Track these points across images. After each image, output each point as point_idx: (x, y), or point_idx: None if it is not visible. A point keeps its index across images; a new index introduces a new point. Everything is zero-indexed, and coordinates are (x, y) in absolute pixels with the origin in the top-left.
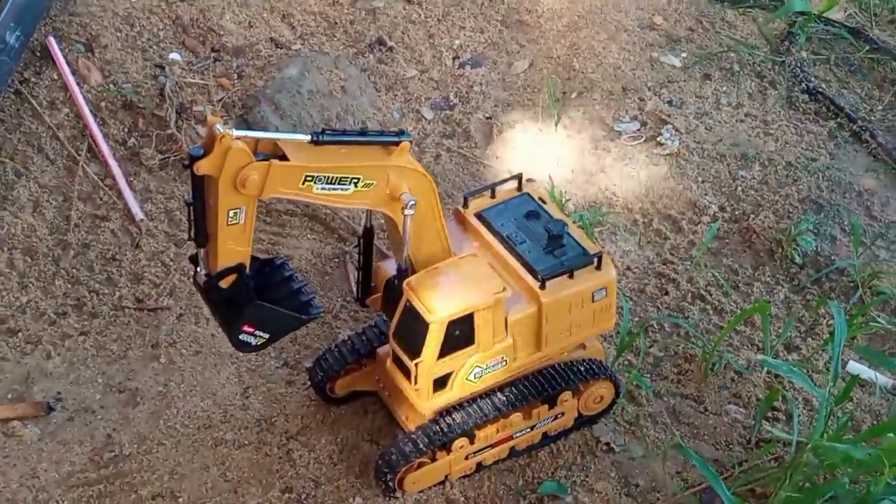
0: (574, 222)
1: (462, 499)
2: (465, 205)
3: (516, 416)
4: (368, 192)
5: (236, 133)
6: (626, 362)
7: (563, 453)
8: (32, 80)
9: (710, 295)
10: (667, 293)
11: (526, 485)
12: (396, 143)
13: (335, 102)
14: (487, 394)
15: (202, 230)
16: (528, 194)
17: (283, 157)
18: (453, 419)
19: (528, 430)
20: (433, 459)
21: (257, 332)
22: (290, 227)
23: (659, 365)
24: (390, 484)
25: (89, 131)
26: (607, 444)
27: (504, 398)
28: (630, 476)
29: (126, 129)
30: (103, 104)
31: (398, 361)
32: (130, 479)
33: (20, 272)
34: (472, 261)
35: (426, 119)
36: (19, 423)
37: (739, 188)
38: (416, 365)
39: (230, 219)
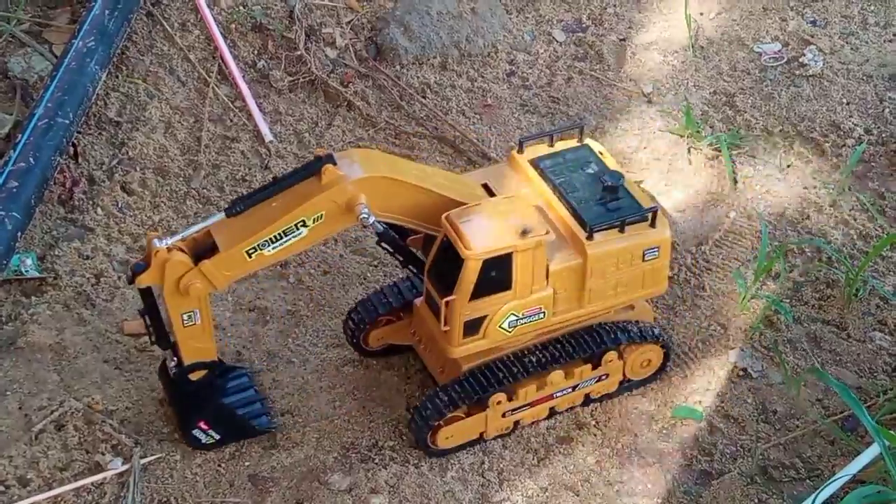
0: (636, 182)
1: (593, 423)
2: (521, 150)
3: (558, 375)
4: (324, 223)
5: (165, 244)
6: (764, 287)
7: (698, 378)
8: (164, 1)
9: (855, 220)
10: (808, 217)
11: (658, 409)
12: (318, 174)
13: (465, 24)
14: (530, 348)
15: (162, 335)
16: (588, 146)
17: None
18: (492, 373)
19: (570, 389)
20: (467, 415)
21: (210, 432)
22: (419, 150)
23: (799, 290)
24: (425, 439)
25: (220, 53)
26: (744, 369)
27: (547, 354)
28: (767, 402)
29: (256, 52)
30: (233, 26)
31: (430, 300)
32: None
33: (152, 192)
34: (518, 202)
35: (557, 41)
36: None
37: (887, 110)
38: (445, 303)
39: (185, 322)
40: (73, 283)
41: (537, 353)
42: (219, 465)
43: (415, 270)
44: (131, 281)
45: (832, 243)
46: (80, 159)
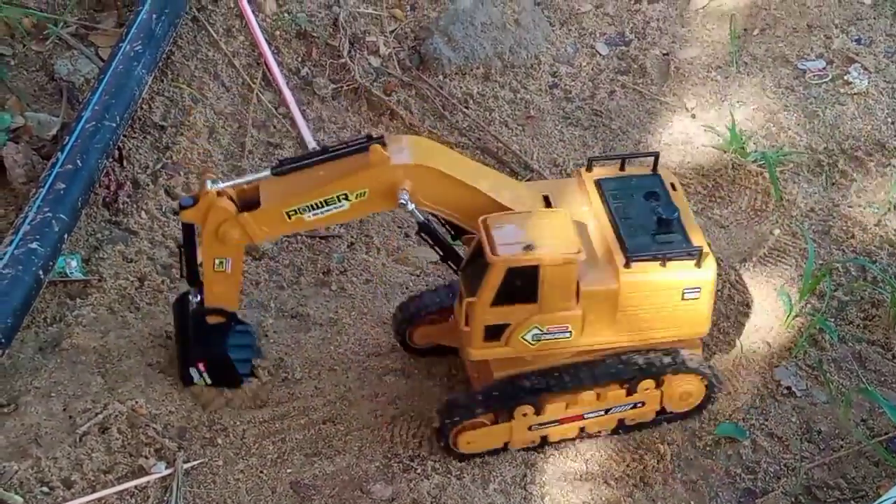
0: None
1: (636, 439)
2: (589, 168)
3: (588, 395)
4: (367, 200)
5: (216, 187)
6: (809, 306)
7: (742, 395)
8: (209, 7)
9: None
10: (853, 236)
11: (702, 426)
12: (365, 150)
13: (508, 35)
14: (563, 366)
15: (193, 272)
16: (660, 176)
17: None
18: (520, 384)
19: (602, 412)
20: (493, 423)
21: (205, 374)
22: None
23: (844, 309)
24: (448, 441)
25: (264, 59)
26: (788, 388)
27: (580, 374)
28: (812, 421)
29: (300, 59)
30: (278, 33)
31: (460, 300)
32: (303, 402)
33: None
34: (560, 216)
35: (601, 55)
36: None
37: None
38: (468, 303)
39: (216, 266)
40: (116, 286)
41: (570, 371)
42: (261, 472)
43: (453, 267)
44: (176, 213)
45: (877, 263)
46: (125, 163)
